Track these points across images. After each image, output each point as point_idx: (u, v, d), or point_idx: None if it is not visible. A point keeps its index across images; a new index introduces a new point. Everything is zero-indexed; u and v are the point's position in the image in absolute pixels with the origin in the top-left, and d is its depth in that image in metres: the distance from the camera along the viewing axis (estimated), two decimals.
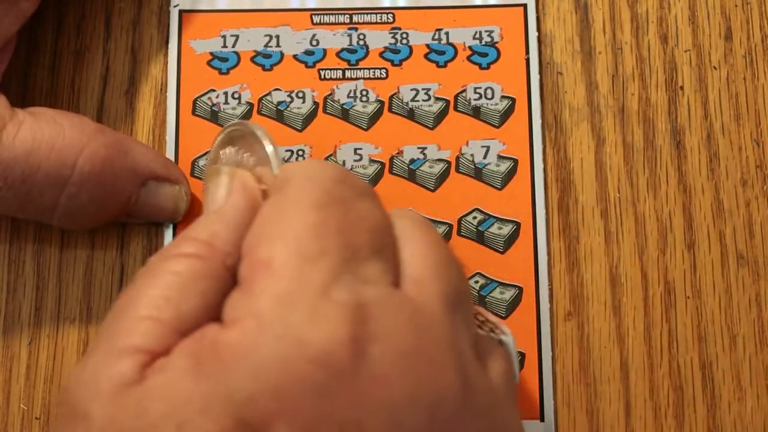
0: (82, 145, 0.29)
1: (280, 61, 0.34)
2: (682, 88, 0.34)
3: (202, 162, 0.33)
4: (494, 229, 0.33)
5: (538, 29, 0.34)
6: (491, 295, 0.32)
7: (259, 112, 0.34)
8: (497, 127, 0.33)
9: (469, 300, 0.26)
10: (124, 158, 0.30)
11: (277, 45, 0.34)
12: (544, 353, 0.32)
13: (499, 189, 0.33)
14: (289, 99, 0.34)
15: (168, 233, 0.32)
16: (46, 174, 0.29)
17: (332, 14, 0.34)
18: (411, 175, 0.33)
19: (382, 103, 0.34)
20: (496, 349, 0.26)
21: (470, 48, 0.34)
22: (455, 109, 0.34)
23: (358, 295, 0.22)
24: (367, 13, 0.34)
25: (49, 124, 0.29)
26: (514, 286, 0.32)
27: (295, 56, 0.34)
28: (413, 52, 0.34)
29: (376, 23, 0.34)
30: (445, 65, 0.34)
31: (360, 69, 0.34)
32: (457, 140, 0.33)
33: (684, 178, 0.33)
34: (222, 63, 0.34)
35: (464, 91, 0.34)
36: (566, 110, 0.34)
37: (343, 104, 0.34)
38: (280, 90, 0.34)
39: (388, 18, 0.34)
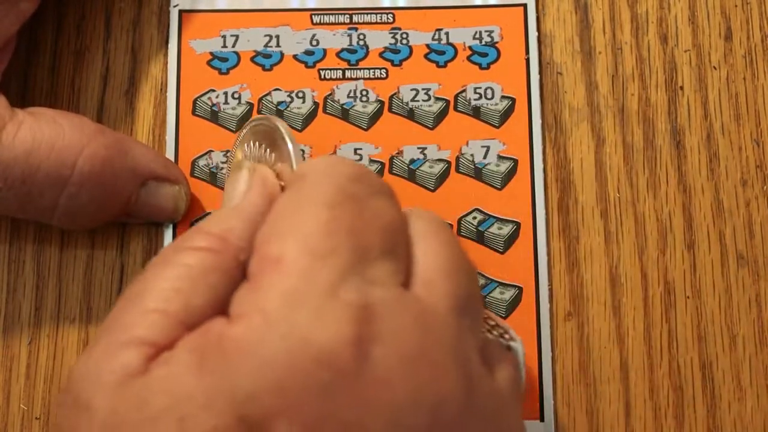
0: (82, 146, 0.29)
1: (280, 61, 0.34)
2: (682, 88, 0.34)
3: (202, 162, 0.33)
4: (494, 229, 0.33)
5: (538, 29, 0.34)
6: (491, 295, 0.32)
7: (259, 113, 0.34)
8: (497, 127, 0.33)
9: (479, 303, 0.26)
10: (124, 158, 0.30)
11: (277, 45, 0.34)
12: (544, 353, 0.32)
13: (499, 189, 0.33)
14: (289, 99, 0.34)
15: (168, 233, 0.32)
16: (46, 174, 0.29)
17: (332, 14, 0.34)
18: (411, 175, 0.33)
19: (382, 103, 0.34)
20: (504, 354, 0.26)
21: (470, 48, 0.34)
22: (455, 109, 0.34)
23: (364, 296, 0.22)
24: (367, 13, 0.34)
25: (49, 124, 0.29)
26: (514, 286, 0.32)
27: (295, 56, 0.34)
28: (413, 52, 0.34)
29: (376, 23, 0.34)
30: (445, 65, 0.34)
31: (360, 69, 0.34)
32: (457, 140, 0.33)
33: (684, 178, 0.33)
34: (222, 63, 0.34)
35: (464, 91, 0.34)
36: (566, 110, 0.34)
37: (343, 104, 0.34)
38: (280, 90, 0.34)
39: (388, 18, 0.34)
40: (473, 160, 0.33)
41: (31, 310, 0.32)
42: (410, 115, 0.34)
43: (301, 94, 0.34)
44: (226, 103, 0.34)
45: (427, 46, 0.34)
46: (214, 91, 0.34)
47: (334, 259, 0.23)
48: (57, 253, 0.33)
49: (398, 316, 0.23)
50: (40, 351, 0.32)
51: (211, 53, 0.34)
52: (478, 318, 0.26)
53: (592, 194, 0.33)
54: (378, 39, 0.34)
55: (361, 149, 0.33)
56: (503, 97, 0.34)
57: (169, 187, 0.32)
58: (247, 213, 0.25)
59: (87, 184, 0.29)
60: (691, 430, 0.32)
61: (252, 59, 0.34)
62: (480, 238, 0.33)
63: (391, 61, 0.34)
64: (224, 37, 0.34)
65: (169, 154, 0.33)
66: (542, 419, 0.31)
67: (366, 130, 0.33)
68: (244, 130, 0.29)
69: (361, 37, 0.34)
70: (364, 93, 0.34)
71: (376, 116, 0.34)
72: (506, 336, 0.27)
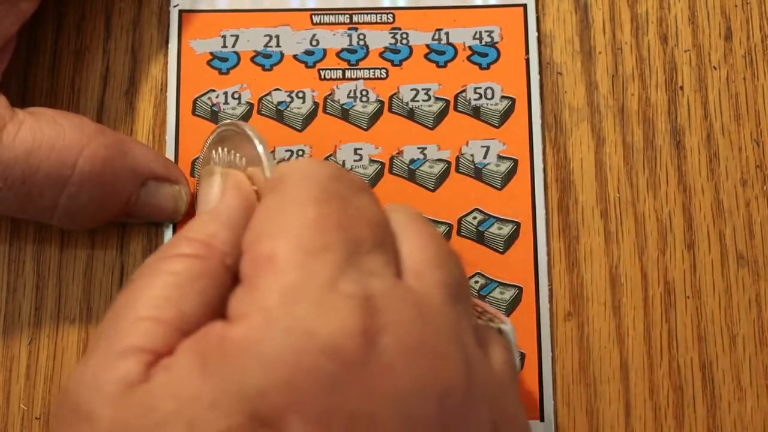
0: (82, 146, 0.29)
1: (280, 61, 0.34)
2: (681, 88, 0.34)
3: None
4: (494, 229, 0.33)
5: (538, 29, 0.34)
6: (491, 295, 0.32)
7: (259, 112, 0.34)
8: (497, 127, 0.33)
9: (468, 290, 0.26)
10: (124, 158, 0.30)
11: (277, 45, 0.34)
12: (544, 353, 0.32)
13: (499, 189, 0.33)
14: (289, 99, 0.34)
15: (168, 233, 0.32)
16: (46, 174, 0.29)
17: (332, 14, 0.34)
18: (411, 175, 0.33)
19: (382, 103, 0.34)
20: (495, 337, 0.26)
21: (470, 48, 0.34)
22: (455, 109, 0.34)
23: (365, 287, 0.22)
24: (367, 13, 0.34)
25: (49, 124, 0.29)
26: (514, 286, 0.32)
27: (295, 56, 0.34)
28: (413, 52, 0.34)
29: (376, 23, 0.34)
30: (445, 65, 0.34)
31: (360, 69, 0.34)
32: (457, 140, 0.33)
33: (684, 178, 0.33)
34: (222, 63, 0.34)
35: (464, 91, 0.34)
36: (566, 110, 0.34)
37: (343, 104, 0.34)
38: (280, 90, 0.34)
39: (388, 18, 0.34)
40: (473, 160, 0.33)
41: (31, 310, 0.32)
42: (410, 115, 0.34)
43: (301, 94, 0.34)
44: (226, 103, 0.34)
45: (427, 46, 0.34)
46: (214, 91, 0.34)
47: (328, 254, 0.23)
48: (57, 253, 0.33)
49: (399, 306, 0.23)
50: (40, 351, 0.32)
51: (211, 53, 0.34)
52: (469, 304, 0.26)
53: (592, 194, 0.33)
54: (378, 39, 0.34)
55: (361, 149, 0.33)
56: (503, 97, 0.34)
57: (169, 187, 0.32)
58: (225, 217, 0.25)
59: (87, 184, 0.29)
60: (691, 430, 0.32)
61: (252, 59, 0.34)
62: (480, 238, 0.33)
63: (391, 61, 0.34)
64: (224, 37, 0.34)
65: (169, 154, 0.33)
66: (542, 419, 0.31)
67: (366, 130, 0.33)
68: (211, 136, 0.29)
69: (361, 37, 0.34)
70: (364, 93, 0.34)
71: (376, 116, 0.34)
72: (495, 320, 0.27)
